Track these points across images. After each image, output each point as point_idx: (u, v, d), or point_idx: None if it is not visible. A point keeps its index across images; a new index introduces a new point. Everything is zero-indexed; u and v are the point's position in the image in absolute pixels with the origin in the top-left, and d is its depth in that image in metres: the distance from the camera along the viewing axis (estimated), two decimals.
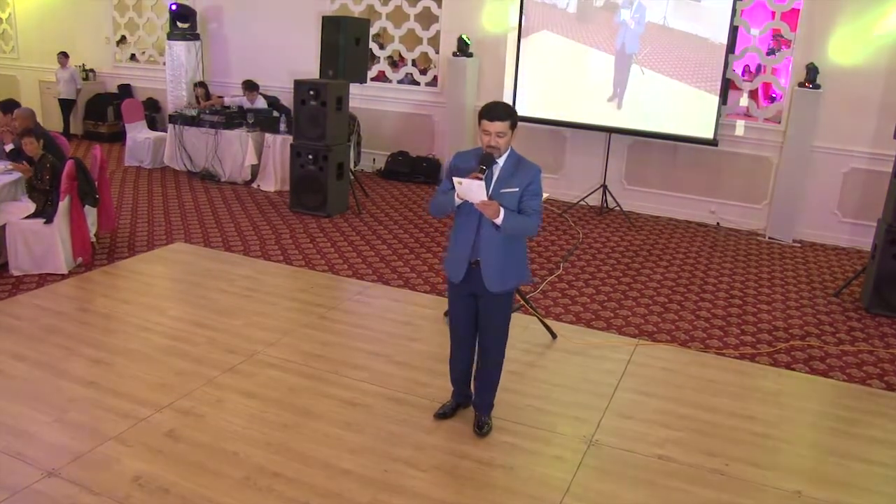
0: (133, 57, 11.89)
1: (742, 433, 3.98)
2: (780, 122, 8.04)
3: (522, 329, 5.13)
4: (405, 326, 5.17)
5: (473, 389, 3.90)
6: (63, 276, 5.71)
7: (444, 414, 3.94)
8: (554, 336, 5.02)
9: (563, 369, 4.63)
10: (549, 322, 5.13)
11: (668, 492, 3.44)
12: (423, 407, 4.04)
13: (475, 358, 3.82)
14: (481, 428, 3.81)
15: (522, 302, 5.10)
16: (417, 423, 3.89)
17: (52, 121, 11.18)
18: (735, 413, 4.18)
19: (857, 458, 3.81)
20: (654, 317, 5.54)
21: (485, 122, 3.37)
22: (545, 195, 5.11)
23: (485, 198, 3.30)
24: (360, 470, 3.46)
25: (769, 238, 7.89)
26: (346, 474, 3.43)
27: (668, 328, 5.35)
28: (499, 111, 3.36)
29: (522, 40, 8.59)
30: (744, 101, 8.35)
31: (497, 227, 3.40)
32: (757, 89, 8.66)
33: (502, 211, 3.34)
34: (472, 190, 3.28)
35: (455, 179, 3.30)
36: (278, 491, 3.28)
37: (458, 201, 3.40)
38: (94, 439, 3.58)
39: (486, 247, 3.48)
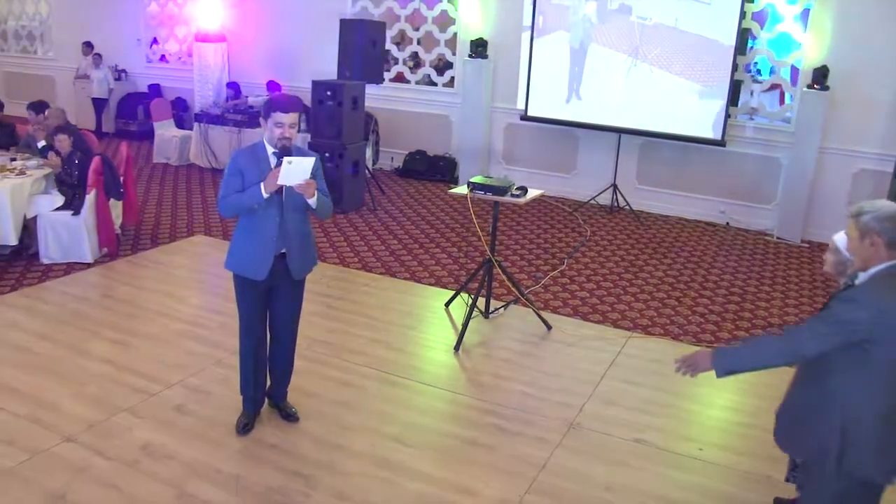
0: (163, 58, 12.32)
1: (722, 422, 4.15)
2: (789, 123, 8.12)
3: (518, 320, 5.34)
4: (407, 316, 5.41)
5: (271, 380, 3.89)
6: (89, 265, 6.06)
7: (248, 426, 3.79)
8: (549, 327, 5.21)
9: (555, 358, 4.83)
10: (546, 315, 5.32)
11: (640, 473, 3.63)
12: (416, 390, 4.28)
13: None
14: (292, 414, 3.88)
15: (518, 295, 5.30)
16: (409, 404, 4.13)
17: (85, 119, 11.65)
18: (717, 403, 4.34)
19: None
20: (651, 311, 5.69)
21: (279, 115, 3.37)
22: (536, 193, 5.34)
23: (308, 176, 3.36)
24: (350, 444, 3.71)
25: (777, 238, 7.97)
26: (337, 448, 3.68)
27: (662, 322, 5.50)
28: (293, 103, 3.42)
29: (536, 41, 8.78)
30: (753, 101, 8.43)
31: (309, 207, 3.51)
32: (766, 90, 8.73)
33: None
34: (301, 168, 3.30)
35: (286, 158, 3.27)
36: (273, 461, 3.54)
37: (265, 194, 3.36)
38: (108, 410, 3.89)
39: (293, 235, 3.54)
